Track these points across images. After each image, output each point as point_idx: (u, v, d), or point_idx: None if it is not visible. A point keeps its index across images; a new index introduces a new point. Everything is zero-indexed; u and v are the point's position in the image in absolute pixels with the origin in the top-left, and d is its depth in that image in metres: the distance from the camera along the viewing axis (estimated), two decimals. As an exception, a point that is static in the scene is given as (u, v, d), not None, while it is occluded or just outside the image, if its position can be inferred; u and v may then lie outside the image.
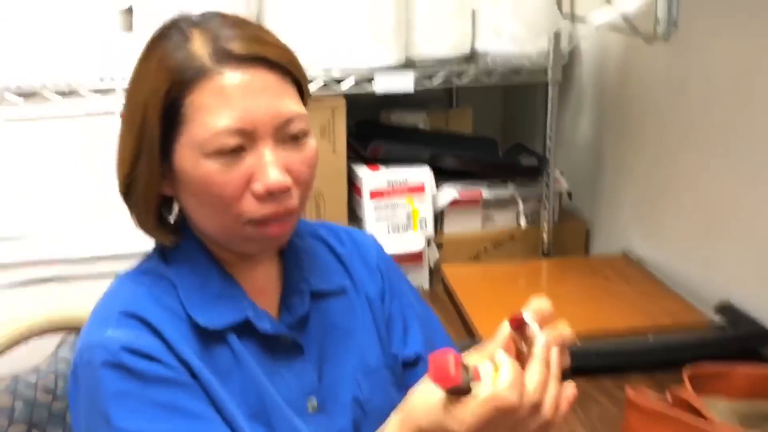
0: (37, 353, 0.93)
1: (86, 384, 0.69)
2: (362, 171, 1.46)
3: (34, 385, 0.89)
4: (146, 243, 0.78)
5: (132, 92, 0.72)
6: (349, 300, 0.83)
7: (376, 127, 1.65)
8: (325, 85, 1.40)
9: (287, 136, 0.70)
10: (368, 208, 1.44)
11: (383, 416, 0.81)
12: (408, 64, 1.47)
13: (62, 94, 1.31)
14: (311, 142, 0.72)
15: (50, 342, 0.95)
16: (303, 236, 0.83)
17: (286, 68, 0.71)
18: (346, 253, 0.86)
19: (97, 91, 1.32)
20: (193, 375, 0.70)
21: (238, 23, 0.71)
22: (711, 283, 1.28)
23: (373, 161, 1.49)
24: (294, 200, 0.70)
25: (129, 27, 1.39)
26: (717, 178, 1.25)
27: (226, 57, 0.68)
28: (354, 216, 1.51)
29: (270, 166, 0.68)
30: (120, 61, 1.33)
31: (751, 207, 1.18)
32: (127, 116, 0.72)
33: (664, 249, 1.42)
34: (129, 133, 0.71)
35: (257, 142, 0.68)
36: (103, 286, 0.76)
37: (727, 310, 1.21)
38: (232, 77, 0.68)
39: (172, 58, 0.69)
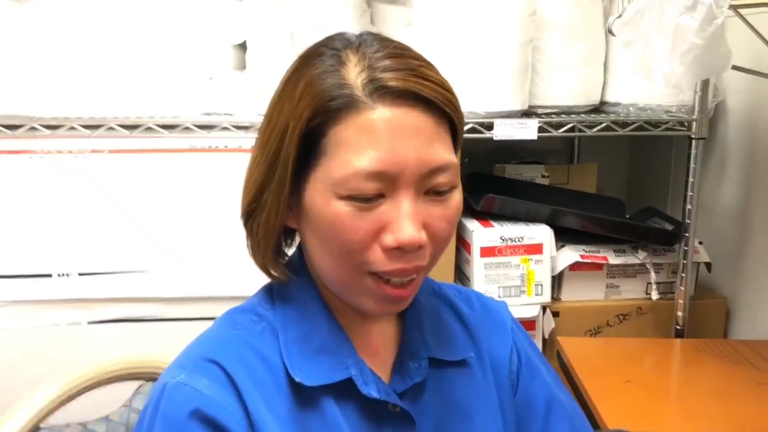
0: (111, 399, 0.86)
1: (148, 427, 0.62)
2: (473, 225, 1.34)
3: (103, 438, 0.81)
4: (250, 286, 0.71)
5: (272, 113, 0.65)
6: (472, 374, 0.72)
7: (489, 180, 1.53)
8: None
9: (432, 187, 0.61)
10: (478, 266, 1.31)
11: None
12: (530, 112, 1.35)
13: (168, 127, 1.28)
14: (456, 196, 0.63)
15: (124, 390, 0.87)
16: (427, 294, 0.74)
17: (444, 110, 0.61)
18: (475, 318, 0.76)
19: (201, 127, 1.28)
20: None
21: (399, 52, 0.62)
22: None
23: (485, 216, 1.36)
24: (425, 259, 0.63)
25: (242, 66, 1.36)
26: None
27: (380, 90, 0.59)
28: (461, 276, 1.38)
29: (406, 220, 0.60)
30: (229, 97, 1.30)
31: None
32: (263, 138, 0.65)
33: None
34: (262, 155, 0.64)
35: (398, 190, 0.60)
36: (200, 328, 0.69)
37: None
38: (384, 113, 0.59)
39: (321, 82, 0.61)
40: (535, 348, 0.80)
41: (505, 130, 1.24)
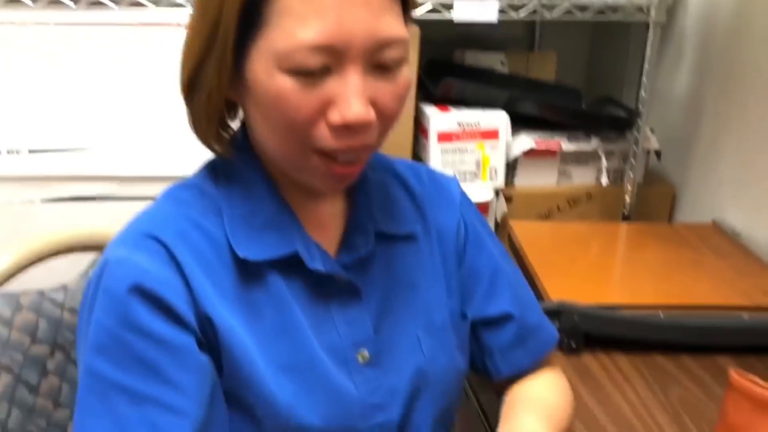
0: (67, 272, 0.87)
1: (90, 300, 0.63)
2: (431, 111, 1.34)
3: (60, 305, 0.82)
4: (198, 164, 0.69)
5: None
6: (419, 247, 0.74)
7: (448, 67, 1.52)
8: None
9: (380, 62, 0.59)
10: (434, 151, 1.32)
11: (443, 381, 0.73)
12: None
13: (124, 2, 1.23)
14: (405, 73, 0.61)
15: (82, 261, 0.88)
16: (377, 169, 0.74)
17: None
18: (424, 192, 0.76)
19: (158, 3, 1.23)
20: (210, 322, 0.62)
21: None
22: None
23: (443, 101, 1.36)
24: (373, 136, 0.61)
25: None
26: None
27: None
28: (418, 160, 1.40)
29: (353, 96, 0.58)
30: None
31: None
32: (200, 8, 0.61)
33: (764, 221, 1.26)
34: (201, 26, 0.61)
35: (345, 64, 0.58)
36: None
37: (838, 294, 1.06)
38: None
39: None
40: (484, 222, 0.82)
41: (464, 11, 1.22)
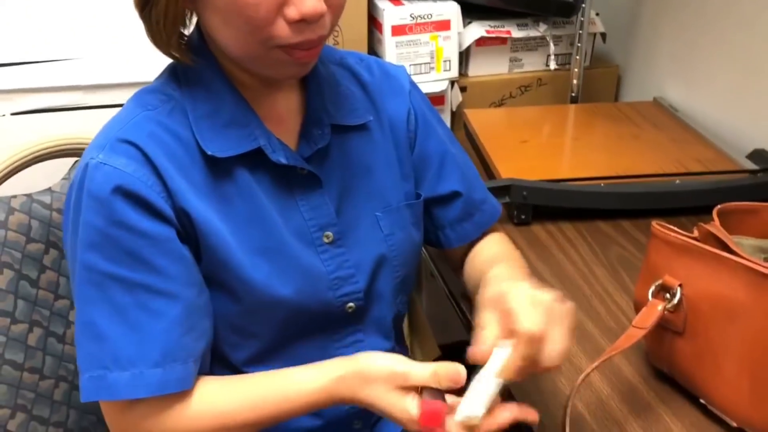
0: (52, 176, 0.92)
1: (75, 203, 0.68)
2: (384, 4, 1.37)
3: (48, 206, 0.88)
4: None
5: None
6: (372, 136, 0.80)
7: (400, -40, 1.53)
8: None
9: None
10: (389, 45, 1.36)
11: (403, 254, 0.82)
12: None
13: None
14: None
15: (66, 164, 0.93)
16: (327, 63, 0.79)
17: None
18: (374, 83, 0.82)
19: None
20: (187, 215, 0.68)
21: None
22: (747, 132, 1.23)
23: (396, -5, 1.39)
24: (326, 28, 0.66)
25: None
26: (756, 22, 1.16)
27: None
28: (373, 54, 1.44)
29: None
30: None
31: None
32: None
33: (699, 96, 1.35)
34: None
35: None
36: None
37: (760, 157, 1.16)
38: None
39: None
40: (432, 108, 0.88)
41: None
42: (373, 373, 0.64)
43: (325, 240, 0.75)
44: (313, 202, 0.75)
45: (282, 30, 0.64)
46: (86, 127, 0.85)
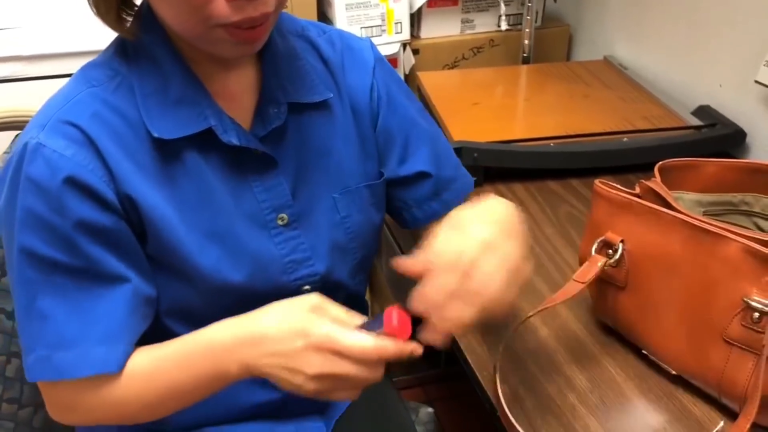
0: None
1: (12, 184, 0.65)
2: (333, -33, 1.35)
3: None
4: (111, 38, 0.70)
5: None
6: (332, 113, 0.77)
7: None
8: None
9: None
10: (339, 8, 1.35)
11: (361, 236, 0.79)
12: None
13: None
14: None
15: (4, 140, 0.91)
16: (286, 35, 0.75)
17: None
18: (336, 58, 0.78)
19: None
20: (133, 200, 0.66)
21: None
22: (693, 89, 1.25)
23: (344, -43, 1.37)
24: (269, 4, 0.63)
25: None
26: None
27: None
28: (324, 18, 1.42)
29: None
30: None
31: (735, 8, 1.12)
32: None
33: (648, 54, 1.37)
34: None
35: None
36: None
37: (705, 113, 1.19)
38: None
39: None
40: (400, 82, 0.84)
41: None
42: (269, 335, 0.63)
43: (280, 222, 0.73)
44: (267, 183, 0.72)
45: (221, 8, 0.61)
46: (31, 98, 0.82)
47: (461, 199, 0.85)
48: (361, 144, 0.79)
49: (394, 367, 0.74)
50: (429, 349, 0.63)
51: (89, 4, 0.66)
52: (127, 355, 0.67)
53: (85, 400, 0.68)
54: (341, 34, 0.81)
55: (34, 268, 0.65)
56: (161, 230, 0.67)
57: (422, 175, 0.82)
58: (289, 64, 0.74)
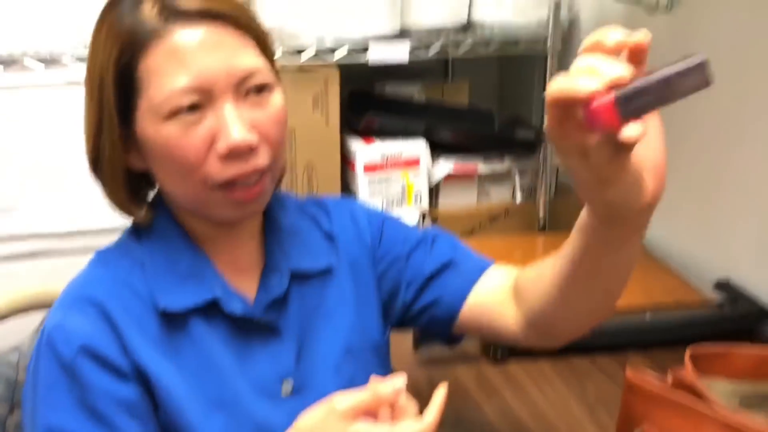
0: (20, 332, 0.91)
1: (35, 367, 0.69)
2: (356, 144, 1.43)
3: (15, 365, 0.86)
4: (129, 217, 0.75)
5: (89, 64, 0.70)
6: (334, 279, 0.80)
7: (369, 99, 1.61)
8: (317, 54, 1.35)
9: (249, 91, 0.67)
10: (362, 182, 1.41)
11: None
12: (403, 34, 1.42)
13: (44, 62, 1.27)
14: (276, 97, 0.69)
15: (34, 320, 0.92)
16: (288, 211, 0.80)
17: (242, 22, 0.67)
18: (335, 228, 0.82)
19: (80, 60, 1.27)
20: (142, 371, 0.68)
21: None
22: (710, 261, 1.26)
23: (367, 134, 1.45)
24: (263, 159, 0.67)
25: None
26: (719, 153, 1.22)
27: (175, 15, 0.65)
28: (347, 190, 1.48)
29: (231, 124, 0.65)
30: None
31: (753, 182, 1.16)
32: (87, 89, 0.70)
33: (662, 225, 1.39)
34: (90, 106, 0.69)
35: (217, 101, 0.65)
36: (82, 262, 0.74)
37: (726, 288, 1.19)
38: (184, 35, 0.65)
39: (122, 24, 0.66)
40: (392, 221, 0.86)
41: (378, 53, 1.32)
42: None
43: (285, 390, 0.74)
44: (271, 351, 0.74)
45: (215, 167, 0.65)
46: (64, 274, 0.85)
47: (485, 266, 0.83)
48: (364, 305, 0.81)
49: None
50: None
51: (103, 194, 0.72)
52: None
53: None
54: (335, 201, 0.86)
55: None
56: (168, 399, 0.69)
57: (446, 265, 0.81)
58: (292, 236, 0.78)
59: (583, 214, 0.64)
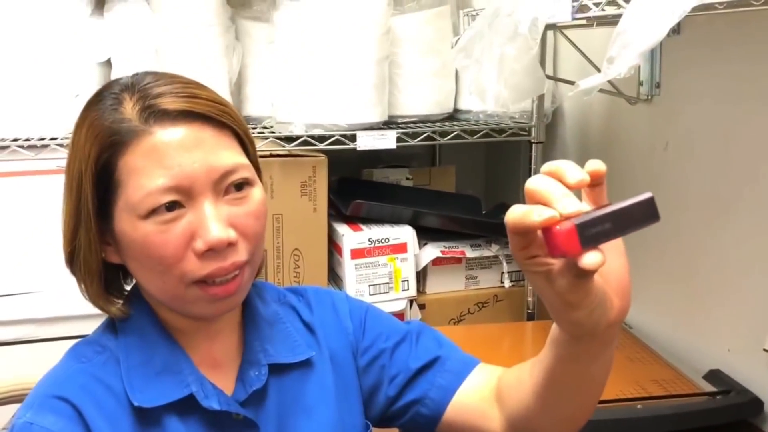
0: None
1: None
2: (343, 229, 1.43)
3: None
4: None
5: (69, 159, 0.70)
6: (314, 371, 0.78)
7: (357, 185, 1.63)
8: (306, 142, 1.38)
9: (229, 188, 0.67)
10: (349, 267, 1.40)
11: None
12: (390, 122, 1.45)
13: (33, 148, 1.28)
14: (256, 193, 0.69)
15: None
16: (268, 303, 0.79)
17: (221, 121, 0.68)
18: (315, 319, 0.81)
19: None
20: None
21: (170, 80, 0.68)
22: (700, 351, 1.25)
23: (354, 220, 1.46)
24: (241, 254, 0.67)
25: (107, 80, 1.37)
26: (704, 242, 1.23)
27: (155, 115, 0.65)
28: (334, 276, 1.47)
29: (210, 222, 0.65)
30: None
31: (741, 272, 1.16)
32: (66, 184, 0.70)
33: (652, 315, 1.39)
34: (68, 201, 0.69)
35: (196, 199, 0.65)
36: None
37: (717, 378, 1.17)
38: (165, 135, 0.65)
39: (102, 122, 0.67)
40: (374, 315, 0.84)
41: (366, 141, 1.34)
42: None
43: None
44: None
45: (193, 264, 0.65)
46: (43, 360, 0.83)
47: (471, 366, 0.80)
48: (345, 400, 0.79)
49: None
50: None
51: (79, 289, 0.71)
52: None
53: None
54: (316, 291, 0.84)
55: None
56: None
57: (434, 361, 0.79)
58: (271, 328, 0.76)
59: (554, 328, 0.64)
